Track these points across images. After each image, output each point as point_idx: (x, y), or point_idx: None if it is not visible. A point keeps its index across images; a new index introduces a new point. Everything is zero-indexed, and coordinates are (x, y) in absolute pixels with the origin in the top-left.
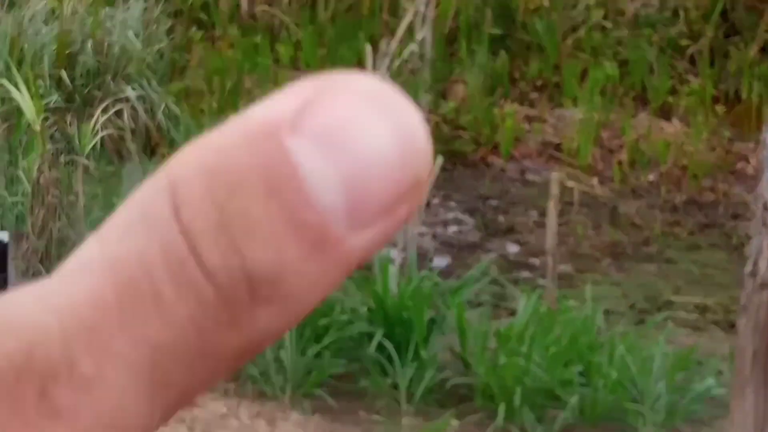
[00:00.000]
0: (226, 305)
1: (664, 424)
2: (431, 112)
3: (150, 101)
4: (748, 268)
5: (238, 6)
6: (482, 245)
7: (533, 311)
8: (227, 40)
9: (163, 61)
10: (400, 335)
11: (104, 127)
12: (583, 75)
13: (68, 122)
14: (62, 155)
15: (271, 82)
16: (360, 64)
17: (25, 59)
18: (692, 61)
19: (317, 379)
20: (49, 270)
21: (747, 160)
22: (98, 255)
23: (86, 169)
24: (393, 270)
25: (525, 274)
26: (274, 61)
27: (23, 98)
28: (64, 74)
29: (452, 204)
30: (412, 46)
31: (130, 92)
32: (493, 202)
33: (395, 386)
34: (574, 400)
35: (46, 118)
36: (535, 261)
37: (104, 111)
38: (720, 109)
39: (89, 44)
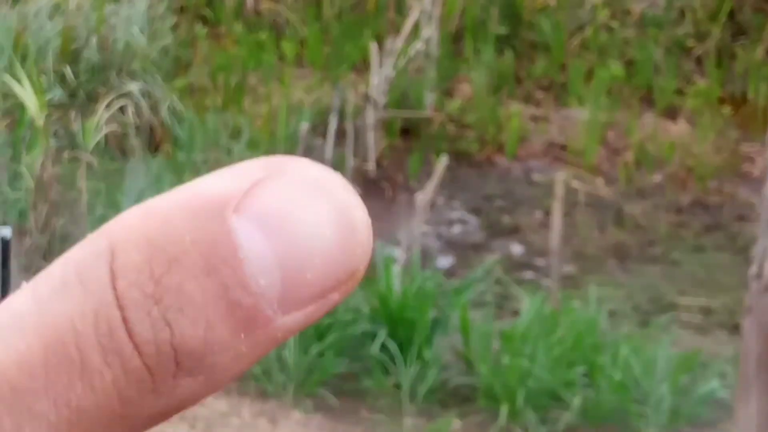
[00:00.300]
0: (150, 375)
1: (667, 427)
2: (436, 111)
3: (154, 97)
4: (754, 270)
5: (243, 3)
6: (486, 245)
7: (537, 312)
8: (232, 37)
9: (167, 57)
10: (403, 335)
11: (108, 123)
12: (589, 75)
13: (72, 118)
14: (65, 151)
15: (276, 79)
16: (365, 62)
17: (29, 55)
18: (699, 61)
19: (319, 378)
20: None
21: (753, 162)
22: (31, 313)
23: (89, 165)
24: (396, 269)
25: (529, 274)
26: (279, 58)
27: (26, 94)
28: (67, 70)
29: (456, 204)
30: (418, 45)
31: (134, 88)
32: (498, 202)
33: (398, 386)
34: (577, 401)
35: (49, 114)
36: (540, 261)
37: (108, 107)
38: (726, 110)
39: (93, 40)
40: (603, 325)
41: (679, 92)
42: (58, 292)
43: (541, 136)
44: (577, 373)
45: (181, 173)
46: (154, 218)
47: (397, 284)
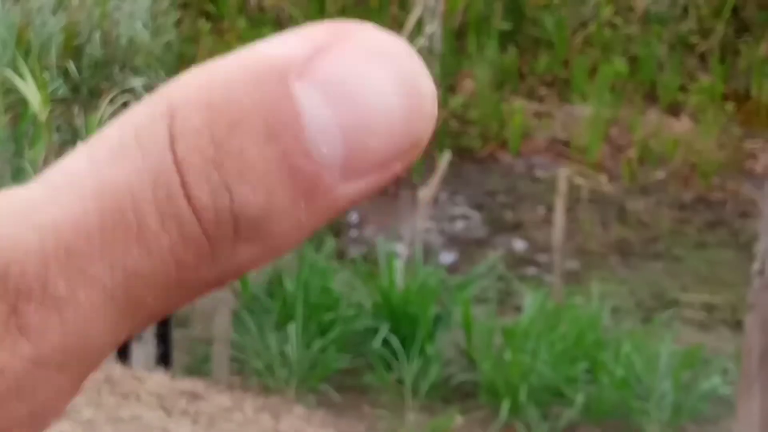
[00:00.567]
0: (208, 241)
1: (669, 423)
2: (439, 107)
3: None
4: (756, 266)
5: None
6: (489, 241)
7: (539, 308)
8: (235, 32)
9: (170, 52)
10: (406, 331)
11: (111, 118)
12: (593, 71)
13: (75, 113)
14: (68, 147)
15: None
16: None
17: (31, 50)
18: (702, 58)
19: (322, 373)
20: None
21: (756, 158)
22: (87, 175)
23: None
24: (399, 265)
25: (531, 270)
26: None
27: (29, 89)
28: (71, 65)
29: (459, 199)
30: (421, 41)
31: (137, 84)
32: (501, 198)
33: (400, 381)
34: (579, 397)
35: (52, 109)
36: (542, 258)
37: (111, 102)
38: (730, 106)
39: (97, 35)
40: (605, 321)
41: (683, 89)
42: (115, 154)
43: (544, 133)
44: (579, 370)
45: None
46: (215, 80)
47: (399, 280)
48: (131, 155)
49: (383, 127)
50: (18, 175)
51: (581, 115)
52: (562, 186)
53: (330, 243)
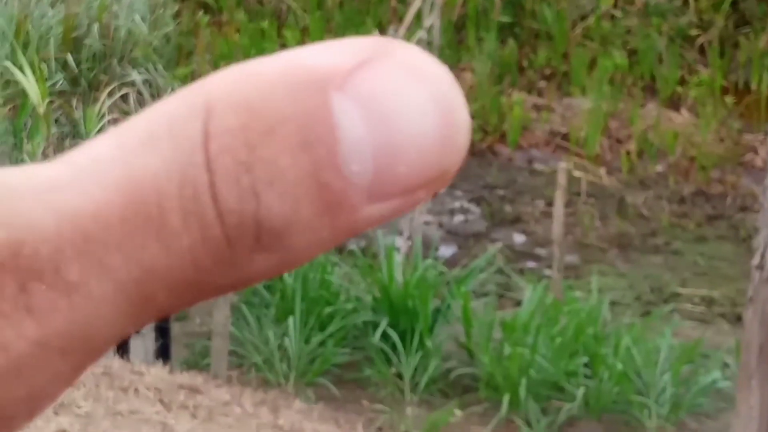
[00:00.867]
0: (228, 245)
1: (669, 417)
2: None
3: (156, 85)
4: (756, 260)
5: None
6: (488, 235)
7: (539, 302)
8: (234, 25)
9: (169, 45)
10: (405, 324)
11: (110, 111)
12: (592, 64)
13: (74, 106)
14: (67, 139)
15: None
16: None
17: (30, 42)
18: (702, 51)
19: (321, 367)
20: None
21: (756, 152)
22: (115, 162)
23: None
24: (398, 258)
25: (531, 264)
26: (281, 46)
27: (28, 81)
28: (69, 58)
29: (459, 193)
30: (420, 33)
31: (136, 76)
32: (500, 192)
33: (399, 375)
34: (579, 391)
35: (51, 102)
36: (542, 251)
37: (110, 95)
38: (729, 100)
39: (95, 28)
40: (604, 315)
41: (682, 82)
42: (146, 144)
43: (544, 126)
44: (578, 363)
45: None
46: (256, 82)
47: (398, 274)
48: (162, 147)
49: (415, 153)
50: None
51: (580, 108)
52: (561, 179)
53: None
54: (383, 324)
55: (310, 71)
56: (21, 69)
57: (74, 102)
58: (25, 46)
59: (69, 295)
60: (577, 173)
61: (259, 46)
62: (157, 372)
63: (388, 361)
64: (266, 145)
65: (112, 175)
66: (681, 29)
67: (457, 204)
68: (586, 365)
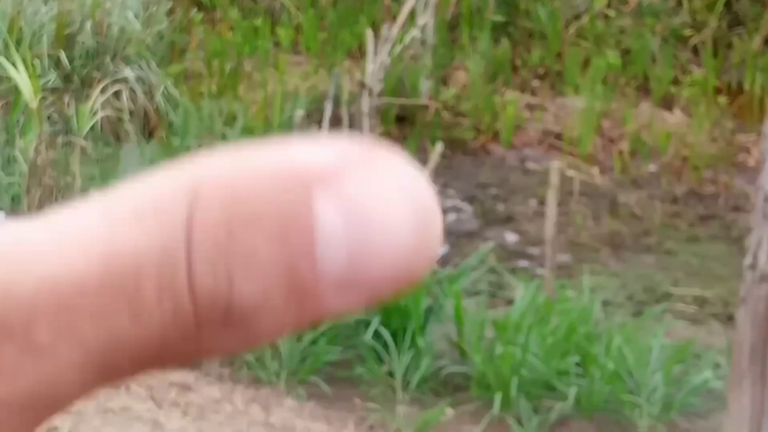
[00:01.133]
0: (196, 324)
1: (660, 417)
2: (432, 99)
3: (149, 83)
4: (748, 260)
5: None
6: (481, 234)
7: (531, 301)
8: (227, 23)
9: (162, 42)
10: (397, 323)
11: (102, 108)
12: (585, 64)
13: (66, 103)
14: (60, 136)
15: (271, 65)
16: (361, 49)
17: (23, 39)
18: (695, 51)
19: (312, 365)
20: None
21: (749, 152)
22: (99, 235)
23: (83, 150)
24: None
25: (523, 263)
26: (274, 44)
27: (21, 78)
28: (62, 54)
29: (451, 192)
30: (414, 32)
31: (128, 73)
32: (493, 191)
33: (391, 374)
34: (570, 390)
35: (43, 98)
36: (534, 250)
37: (102, 92)
38: (722, 100)
39: (88, 25)
40: (597, 314)
41: (675, 82)
42: (130, 222)
43: (537, 125)
44: (570, 363)
45: (175, 159)
46: (245, 172)
47: None
48: (146, 226)
49: (387, 259)
50: (9, 165)
51: (574, 108)
52: (554, 178)
53: None
54: (375, 322)
55: (297, 169)
56: (14, 65)
57: (67, 99)
58: (18, 43)
59: (36, 357)
60: (569, 172)
61: (252, 43)
62: None
63: (380, 360)
64: (247, 234)
65: (97, 248)
66: (674, 29)
67: (449, 203)
68: (577, 364)
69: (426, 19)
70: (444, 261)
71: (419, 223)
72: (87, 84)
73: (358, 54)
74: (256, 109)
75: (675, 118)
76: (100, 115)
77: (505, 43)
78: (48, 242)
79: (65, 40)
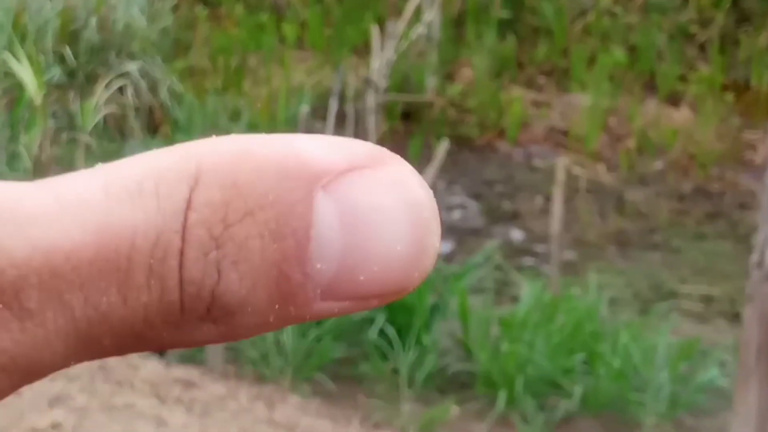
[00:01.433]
0: (181, 311)
1: (666, 415)
2: (437, 95)
3: (153, 79)
4: (755, 258)
5: None
6: (486, 231)
7: (537, 299)
8: (232, 19)
9: (167, 38)
10: (402, 320)
11: (107, 104)
12: (592, 60)
13: (70, 99)
14: (64, 132)
15: (276, 61)
16: (366, 45)
17: (28, 34)
18: (702, 48)
19: (317, 362)
20: None
21: (755, 149)
22: (97, 206)
23: (88, 146)
24: None
25: (529, 260)
26: (280, 40)
27: (25, 73)
28: (67, 50)
29: (457, 188)
30: (420, 28)
31: (133, 69)
32: (498, 188)
33: (396, 371)
34: (576, 389)
35: (48, 94)
36: (540, 248)
37: (107, 88)
38: (729, 97)
39: (93, 20)
40: (603, 312)
41: (682, 79)
42: (131, 197)
43: (543, 122)
44: (576, 361)
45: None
46: (248, 161)
47: None
48: (144, 204)
49: (379, 268)
50: (13, 160)
51: (580, 105)
52: (560, 175)
53: None
54: (380, 320)
55: (302, 163)
56: (18, 61)
57: (71, 95)
58: (23, 39)
59: (23, 320)
60: (576, 170)
61: (257, 39)
62: (153, 366)
63: (385, 357)
64: (241, 226)
65: (94, 220)
66: (681, 26)
67: (455, 200)
68: (583, 362)
69: (432, 15)
70: (449, 258)
71: (416, 236)
72: (92, 80)
73: (363, 50)
74: (261, 105)
75: (681, 115)
76: (104, 111)
77: (511, 39)
78: (46, 207)
79: (70, 35)
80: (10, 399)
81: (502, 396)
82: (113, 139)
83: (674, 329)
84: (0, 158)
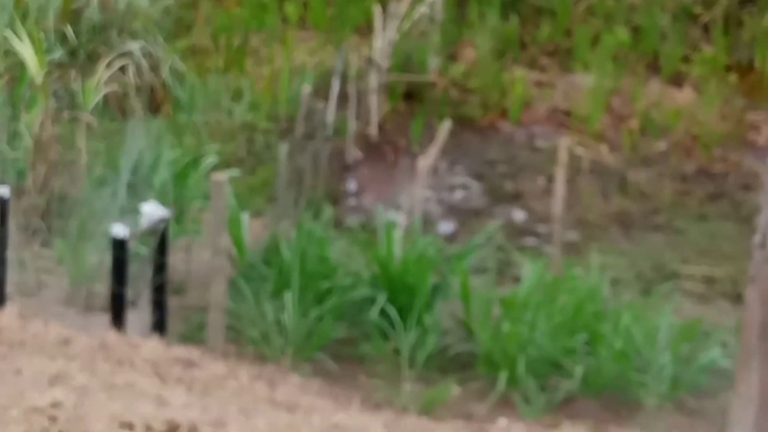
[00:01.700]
0: None
1: (668, 395)
2: (440, 76)
3: (155, 58)
4: (757, 239)
5: None
6: (488, 211)
7: (538, 279)
8: None
9: (169, 17)
10: (403, 300)
11: (108, 83)
12: (595, 41)
13: (72, 78)
14: (65, 111)
15: (278, 41)
16: (369, 25)
17: (29, 13)
18: (706, 29)
19: (318, 342)
20: (48, 226)
21: (759, 130)
22: None
23: (89, 125)
24: (398, 234)
25: (531, 241)
26: (282, 20)
27: (27, 52)
28: (68, 29)
29: (459, 169)
30: (422, 8)
31: (135, 49)
32: (501, 168)
33: (397, 352)
34: (577, 369)
35: (49, 73)
36: (542, 228)
37: (108, 67)
38: (732, 78)
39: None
40: (605, 293)
41: (686, 59)
42: None
43: (545, 102)
44: (578, 341)
45: (181, 134)
46: None
47: (398, 249)
48: None
49: None
50: (14, 139)
51: (583, 85)
52: (562, 156)
53: (328, 211)
54: (381, 300)
55: None
56: (20, 40)
57: (73, 74)
58: (24, 18)
59: None
60: (578, 150)
61: (259, 19)
62: (153, 345)
63: (386, 337)
64: None
65: None
66: (685, 7)
67: (457, 180)
68: (585, 343)
69: None
70: (451, 238)
71: None
72: (93, 59)
73: (366, 30)
74: (263, 84)
75: (685, 96)
76: (105, 90)
77: (513, 19)
78: None
79: (71, 14)
80: (11, 378)
81: (503, 376)
82: (114, 118)
83: (676, 310)
84: (1, 137)
